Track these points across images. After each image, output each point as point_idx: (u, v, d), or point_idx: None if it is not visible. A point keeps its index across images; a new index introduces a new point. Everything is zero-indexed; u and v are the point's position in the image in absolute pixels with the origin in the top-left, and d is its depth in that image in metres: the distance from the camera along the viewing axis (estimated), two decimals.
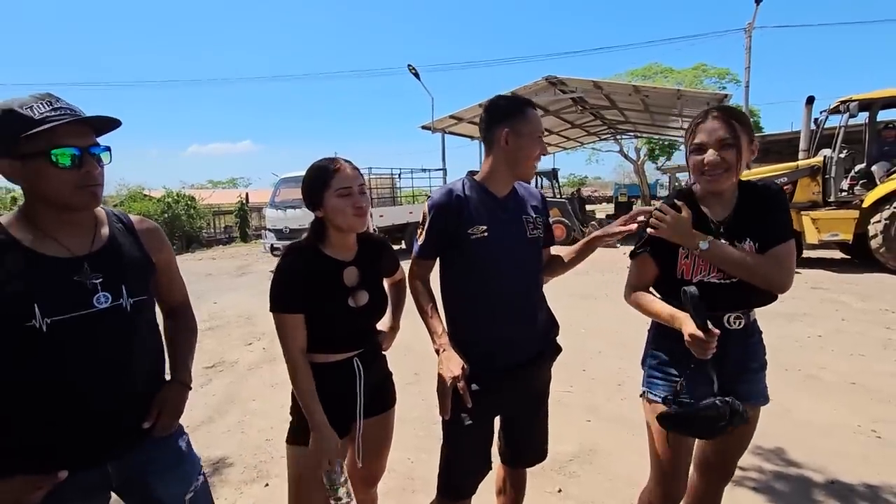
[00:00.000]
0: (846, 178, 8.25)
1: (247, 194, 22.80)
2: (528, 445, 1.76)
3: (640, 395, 1.60)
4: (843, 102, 8.02)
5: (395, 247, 12.77)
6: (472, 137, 16.55)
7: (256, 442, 3.07)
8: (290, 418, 1.55)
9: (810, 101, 8.44)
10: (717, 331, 1.29)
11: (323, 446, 1.40)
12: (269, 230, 11.95)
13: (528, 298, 1.62)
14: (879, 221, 7.49)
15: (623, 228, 1.62)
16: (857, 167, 8.27)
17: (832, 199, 8.15)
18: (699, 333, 1.29)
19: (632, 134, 23.83)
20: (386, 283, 1.76)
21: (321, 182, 1.46)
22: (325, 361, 1.50)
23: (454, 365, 1.48)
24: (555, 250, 1.83)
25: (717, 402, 1.35)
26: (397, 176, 15.47)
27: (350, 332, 1.52)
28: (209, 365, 4.60)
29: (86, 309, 1.08)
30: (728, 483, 1.68)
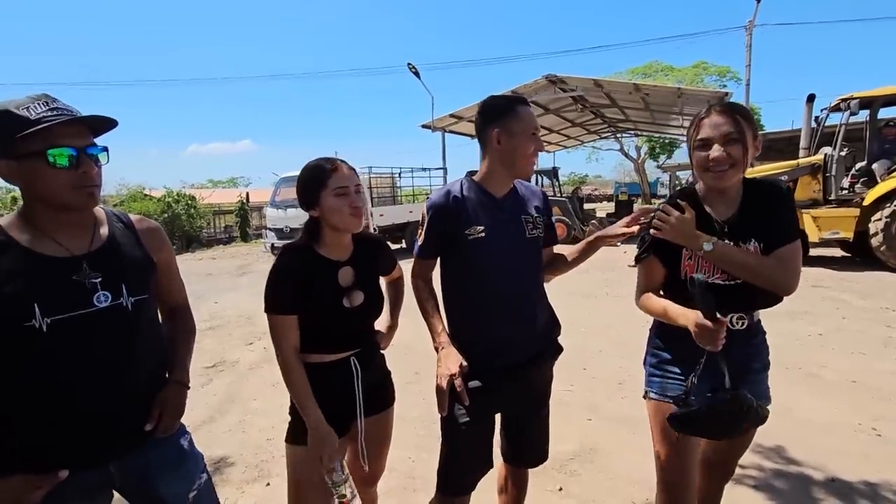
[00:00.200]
0: (847, 176, 8.24)
1: (247, 194, 22.81)
2: (529, 445, 1.76)
3: (644, 396, 1.59)
4: (843, 100, 8.02)
5: (396, 246, 12.82)
6: (472, 136, 16.37)
7: (257, 441, 3.08)
8: (290, 418, 1.55)
9: (811, 98, 8.43)
10: (725, 319, 1.27)
11: (320, 445, 1.40)
12: (270, 229, 11.96)
13: (528, 298, 1.62)
14: (880, 219, 7.48)
15: (626, 230, 1.60)
16: (858, 165, 8.26)
17: (833, 197, 8.14)
18: (707, 323, 1.26)
19: (632, 132, 23.83)
20: (384, 282, 1.77)
21: (317, 182, 1.45)
22: (321, 361, 1.50)
23: (452, 363, 1.50)
24: (558, 249, 1.82)
25: (732, 394, 1.30)
26: (397, 175, 15.47)
27: (346, 332, 1.52)
28: (210, 365, 4.60)
29: (85, 308, 1.09)
30: (728, 482, 1.67)
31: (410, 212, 13.30)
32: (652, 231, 1.47)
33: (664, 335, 1.54)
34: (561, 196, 15.24)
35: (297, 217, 10.19)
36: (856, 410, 3.12)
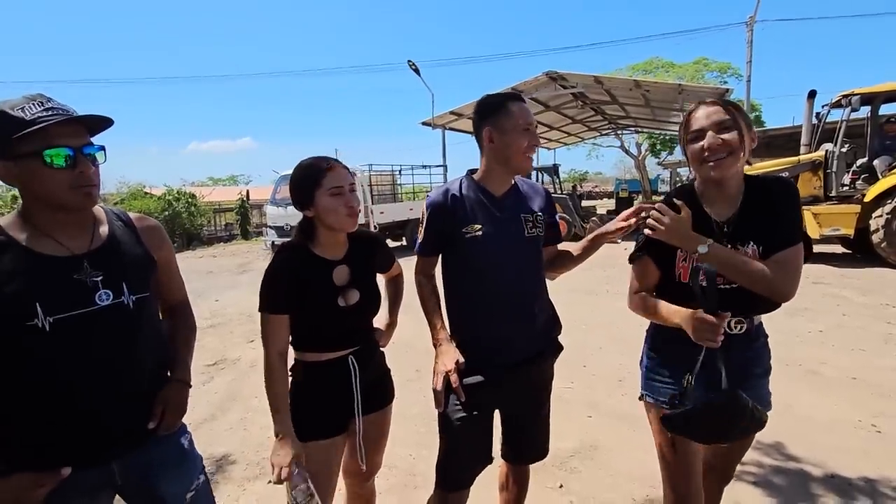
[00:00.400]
0: (848, 172, 8.21)
1: (247, 191, 22.81)
2: (529, 444, 1.76)
3: (640, 398, 1.57)
4: (845, 96, 7.99)
5: (396, 244, 12.83)
6: (472, 133, 16.35)
7: (259, 439, 3.08)
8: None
9: (812, 95, 8.42)
10: (727, 314, 1.25)
11: (280, 452, 1.37)
12: (270, 227, 11.97)
13: (527, 297, 1.61)
14: (881, 216, 7.47)
15: (622, 224, 1.56)
16: (859, 161, 8.23)
17: (833, 193, 8.13)
18: (709, 318, 1.22)
19: (633, 129, 23.76)
20: (383, 279, 1.77)
21: (312, 181, 1.45)
22: (319, 360, 1.51)
23: (448, 359, 1.51)
24: (562, 247, 1.81)
25: (729, 393, 1.27)
26: (398, 172, 15.46)
27: (342, 331, 1.52)
28: (211, 362, 4.61)
29: (87, 307, 1.09)
30: (728, 484, 1.67)
31: (411, 209, 13.30)
32: (646, 231, 1.41)
33: (660, 337, 1.51)
34: (561, 193, 15.24)
35: (298, 215, 10.08)
36: (856, 407, 3.12)
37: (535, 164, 16.30)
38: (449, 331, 1.63)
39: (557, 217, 1.78)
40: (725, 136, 1.29)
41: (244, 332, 5.61)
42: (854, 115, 8.10)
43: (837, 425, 2.91)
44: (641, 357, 1.60)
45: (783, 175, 7.69)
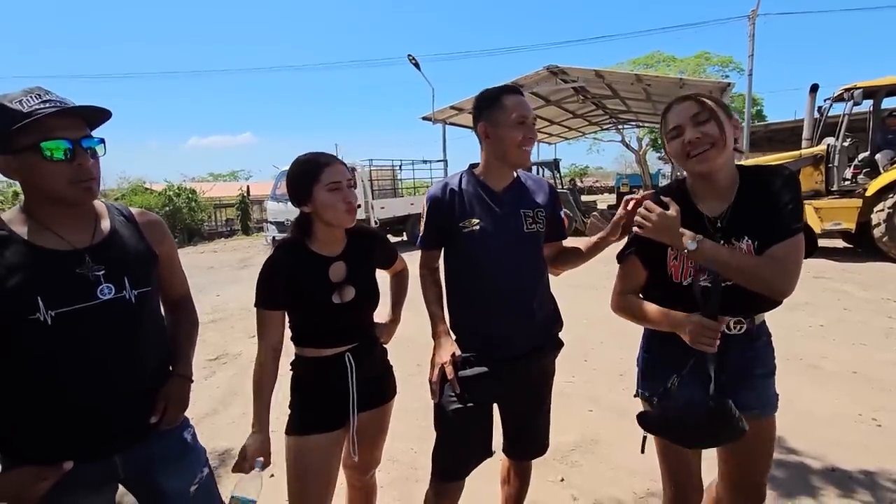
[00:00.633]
0: (850, 166, 8.20)
1: (248, 187, 22.82)
2: (528, 439, 1.76)
3: (635, 395, 1.55)
4: (847, 90, 7.95)
5: (396, 239, 12.83)
6: (472, 128, 16.44)
7: None
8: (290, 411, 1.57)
9: (814, 88, 8.37)
10: (726, 319, 1.23)
11: (251, 444, 1.43)
12: (271, 223, 11.97)
13: (526, 293, 1.60)
14: (882, 210, 7.45)
15: (619, 218, 1.53)
16: (861, 155, 8.21)
17: (835, 187, 8.10)
18: (709, 323, 1.20)
19: (633, 123, 23.70)
20: (387, 276, 1.76)
21: (310, 176, 1.43)
22: (316, 356, 1.51)
23: (445, 352, 1.53)
24: (569, 242, 1.79)
25: (718, 402, 1.23)
26: (398, 168, 15.44)
27: (337, 327, 1.51)
28: (213, 357, 4.62)
29: (89, 301, 1.09)
30: None
31: (411, 204, 13.29)
32: (634, 229, 1.37)
33: (655, 339, 1.48)
34: (562, 188, 15.22)
35: (298, 210, 10.12)
36: (856, 401, 3.13)
37: (535, 159, 16.32)
38: (449, 324, 1.63)
39: (562, 213, 1.76)
40: (703, 128, 1.25)
41: (245, 326, 5.63)
42: (856, 109, 8.06)
43: (838, 419, 2.92)
44: (638, 355, 1.58)
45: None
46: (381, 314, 1.73)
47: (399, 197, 14.68)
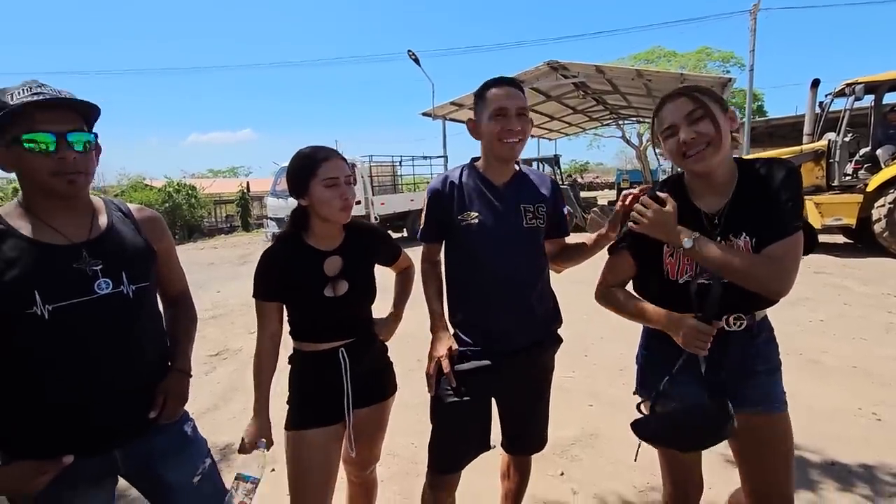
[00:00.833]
0: (851, 161, 8.17)
1: (248, 183, 22.77)
2: (526, 435, 1.76)
3: (634, 392, 1.54)
4: (848, 85, 7.92)
5: (396, 235, 12.82)
6: None
7: None
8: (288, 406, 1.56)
9: (815, 83, 8.34)
10: (720, 323, 1.23)
11: (251, 430, 1.46)
12: (271, 219, 11.96)
13: (524, 288, 1.59)
14: (883, 205, 7.44)
15: (617, 210, 1.51)
16: (862, 151, 8.18)
17: (836, 183, 8.09)
18: (703, 326, 1.19)
19: (634, 119, 23.65)
20: (391, 272, 1.77)
21: (308, 170, 1.43)
22: (312, 350, 1.51)
23: (442, 345, 1.54)
24: (573, 238, 1.77)
25: (717, 403, 1.21)
26: (398, 163, 15.42)
27: (331, 321, 1.51)
28: (213, 353, 4.63)
29: (86, 295, 1.09)
30: None
31: (411, 200, 13.28)
32: (630, 224, 1.35)
33: (654, 337, 1.45)
34: (563, 183, 15.20)
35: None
36: (856, 396, 3.13)
37: (535, 155, 16.27)
38: (448, 317, 1.63)
39: (564, 210, 1.75)
40: (699, 127, 1.21)
41: (245, 322, 5.63)
42: (857, 104, 8.02)
43: (838, 414, 2.92)
44: (637, 353, 1.56)
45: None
46: (383, 310, 1.73)
47: (399, 193, 14.66)
